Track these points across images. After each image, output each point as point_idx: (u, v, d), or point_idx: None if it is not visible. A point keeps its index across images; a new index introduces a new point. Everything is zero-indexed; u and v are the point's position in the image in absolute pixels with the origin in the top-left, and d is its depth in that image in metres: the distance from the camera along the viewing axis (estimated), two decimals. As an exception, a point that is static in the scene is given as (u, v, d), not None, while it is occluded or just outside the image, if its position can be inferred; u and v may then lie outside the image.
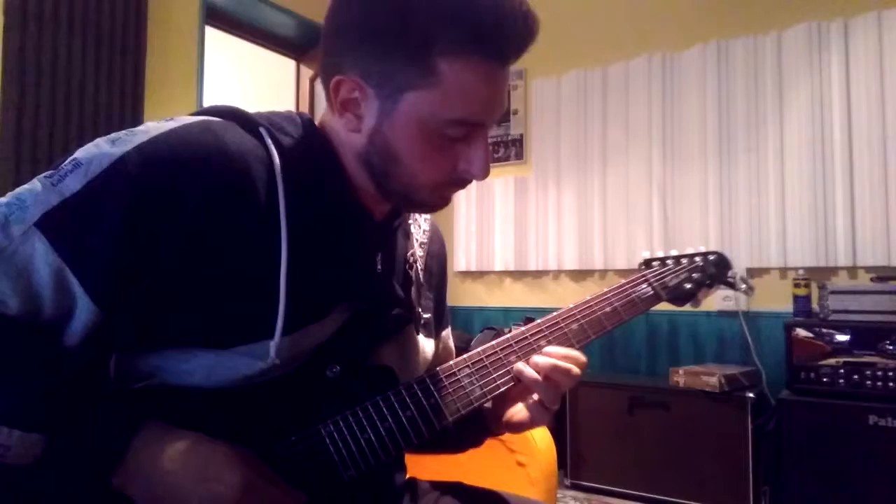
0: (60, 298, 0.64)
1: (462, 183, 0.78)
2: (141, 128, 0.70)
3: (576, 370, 0.80)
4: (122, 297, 0.65)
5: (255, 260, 0.69)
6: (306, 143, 0.76)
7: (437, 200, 0.79)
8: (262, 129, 0.74)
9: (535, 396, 0.82)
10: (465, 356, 0.82)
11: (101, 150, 0.67)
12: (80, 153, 0.67)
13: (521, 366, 0.81)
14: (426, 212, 0.90)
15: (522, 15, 0.71)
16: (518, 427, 0.86)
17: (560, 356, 0.81)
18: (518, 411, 0.85)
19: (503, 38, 0.70)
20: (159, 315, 0.67)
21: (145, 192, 0.65)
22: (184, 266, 0.66)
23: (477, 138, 0.74)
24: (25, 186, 0.66)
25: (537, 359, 0.81)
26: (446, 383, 0.79)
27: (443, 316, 0.98)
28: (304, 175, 0.74)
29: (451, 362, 0.81)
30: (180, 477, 0.62)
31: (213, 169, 0.68)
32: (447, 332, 1.00)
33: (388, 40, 0.70)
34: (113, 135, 0.69)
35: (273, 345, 0.68)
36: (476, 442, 0.95)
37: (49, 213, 0.64)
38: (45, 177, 0.66)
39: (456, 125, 0.72)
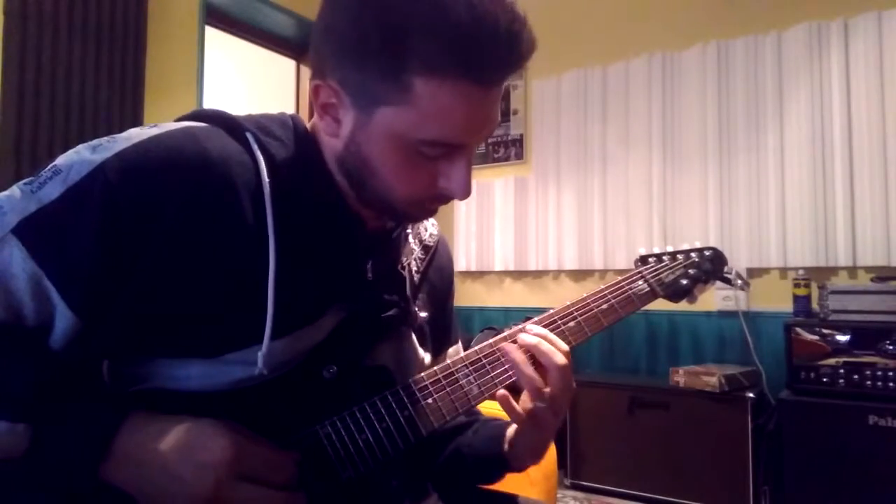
0: (39, 306, 0.63)
1: (443, 199, 0.75)
2: (123, 135, 0.69)
3: (549, 348, 0.79)
4: (103, 306, 0.65)
5: (241, 267, 0.68)
6: (295, 147, 0.75)
7: (418, 213, 0.78)
8: (248, 135, 0.73)
9: (529, 398, 0.80)
10: (462, 355, 0.82)
11: (81, 156, 0.66)
12: (60, 160, 0.67)
13: (506, 345, 0.81)
14: (409, 222, 0.87)
15: (511, 36, 0.65)
16: (530, 445, 0.84)
17: (542, 335, 0.81)
18: (521, 430, 0.83)
19: (484, 60, 0.65)
20: (146, 324, 0.66)
21: (124, 199, 0.64)
22: (166, 274, 0.65)
23: (459, 157, 0.71)
24: (4, 193, 0.66)
25: (522, 336, 0.81)
26: (444, 383, 0.78)
27: (448, 332, 0.96)
28: (293, 181, 0.73)
29: (449, 361, 0.81)
30: (167, 455, 0.62)
31: (193, 176, 0.67)
32: (455, 350, 0.97)
33: (365, 51, 0.66)
34: (94, 141, 0.68)
35: (261, 354, 0.67)
36: (492, 477, 0.92)
37: (26, 219, 0.63)
38: (24, 184, 0.66)
39: (432, 145, 0.69)
